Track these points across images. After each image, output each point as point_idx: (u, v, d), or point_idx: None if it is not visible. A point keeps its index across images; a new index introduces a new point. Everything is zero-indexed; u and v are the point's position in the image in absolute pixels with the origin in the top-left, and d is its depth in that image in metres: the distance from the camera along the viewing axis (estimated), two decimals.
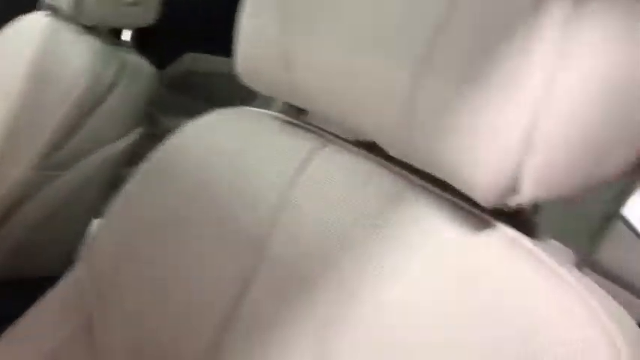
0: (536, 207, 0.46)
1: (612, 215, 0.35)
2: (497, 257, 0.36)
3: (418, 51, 0.35)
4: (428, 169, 0.39)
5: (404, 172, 0.45)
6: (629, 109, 0.35)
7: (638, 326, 0.36)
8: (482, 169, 0.34)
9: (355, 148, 0.48)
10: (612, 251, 0.35)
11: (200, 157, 0.54)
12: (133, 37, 1.46)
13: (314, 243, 0.45)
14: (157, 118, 1.42)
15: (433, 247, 0.39)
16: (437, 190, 0.42)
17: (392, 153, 0.42)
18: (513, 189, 0.35)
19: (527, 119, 0.33)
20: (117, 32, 1.32)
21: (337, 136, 0.51)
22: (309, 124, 0.53)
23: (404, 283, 0.40)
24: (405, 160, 0.41)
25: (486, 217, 0.39)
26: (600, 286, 0.38)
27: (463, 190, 0.36)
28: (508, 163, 0.33)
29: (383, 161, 0.46)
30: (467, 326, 0.35)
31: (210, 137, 0.55)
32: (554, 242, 0.44)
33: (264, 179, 0.50)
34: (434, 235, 0.40)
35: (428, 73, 0.35)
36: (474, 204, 0.41)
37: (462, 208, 0.40)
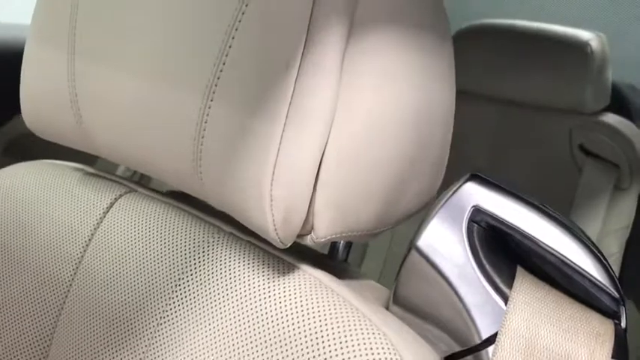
0: (348, 247, 0.46)
1: (410, 246, 0.35)
2: (301, 302, 0.35)
3: (205, 81, 0.33)
4: (223, 209, 0.36)
5: (214, 219, 0.42)
6: (415, 144, 0.36)
7: None
8: (270, 207, 0.32)
9: (162, 197, 0.45)
10: (412, 283, 0.35)
11: None
12: None
13: (109, 303, 0.41)
14: None
15: (238, 296, 0.37)
16: (246, 237, 0.40)
17: (188, 191, 0.39)
18: (307, 227, 0.34)
19: (313, 155, 0.32)
20: None
21: (145, 186, 0.47)
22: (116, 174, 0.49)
23: (208, 336, 0.36)
24: (201, 198, 0.38)
25: (292, 261, 0.38)
26: (409, 322, 0.37)
27: (256, 231, 0.34)
28: (297, 201, 0.32)
29: (191, 209, 0.43)
30: None
31: (3, 191, 0.49)
32: (370, 282, 0.43)
33: (60, 234, 0.45)
34: (239, 283, 0.37)
35: (214, 104, 0.33)
36: (283, 250, 0.40)
37: (270, 254, 0.38)
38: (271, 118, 0.31)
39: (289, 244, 0.34)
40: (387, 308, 0.39)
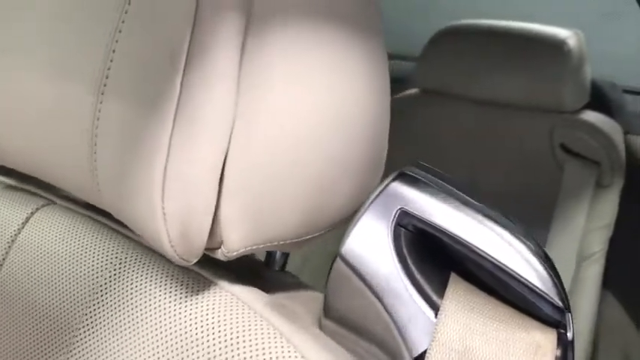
0: (285, 256, 0.42)
1: (335, 255, 0.32)
2: (212, 322, 0.31)
3: (96, 74, 0.30)
4: (125, 222, 0.33)
5: (132, 233, 0.39)
6: (339, 145, 0.33)
7: None
8: (164, 221, 0.28)
9: (81, 209, 0.42)
10: (339, 295, 0.32)
11: None
12: None
13: (21, 324, 0.38)
14: None
15: (150, 318, 0.33)
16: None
17: (90, 202, 0.36)
18: (215, 241, 0.31)
19: (211, 163, 0.28)
20: None
21: (66, 197, 0.44)
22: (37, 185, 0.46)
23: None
24: (104, 209, 0.35)
25: (210, 276, 0.34)
26: (342, 337, 0.34)
27: (153, 247, 0.31)
28: (196, 214, 0.29)
29: (108, 221, 0.40)
30: None
31: None
32: (309, 293, 0.40)
33: None
34: (152, 303, 0.34)
35: (105, 103, 0.30)
36: (205, 264, 0.36)
37: (187, 271, 0.35)
38: (158, 122, 0.27)
39: (194, 261, 0.31)
40: (320, 322, 0.35)
